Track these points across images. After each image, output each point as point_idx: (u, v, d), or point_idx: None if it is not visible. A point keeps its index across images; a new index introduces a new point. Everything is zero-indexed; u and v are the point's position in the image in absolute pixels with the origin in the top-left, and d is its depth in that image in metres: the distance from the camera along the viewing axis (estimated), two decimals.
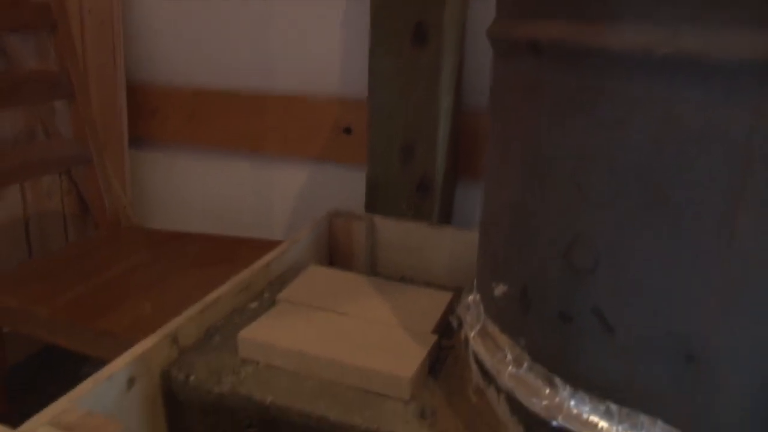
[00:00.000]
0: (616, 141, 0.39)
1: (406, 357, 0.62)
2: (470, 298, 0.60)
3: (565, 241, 0.44)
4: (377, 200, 0.98)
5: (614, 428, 0.43)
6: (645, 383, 0.41)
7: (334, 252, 0.95)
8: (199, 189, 1.27)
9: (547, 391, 0.46)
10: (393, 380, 0.59)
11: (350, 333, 0.65)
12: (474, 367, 0.56)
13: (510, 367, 0.50)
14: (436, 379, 0.63)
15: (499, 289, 0.52)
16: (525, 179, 0.46)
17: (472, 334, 0.56)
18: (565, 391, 0.46)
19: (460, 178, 1.05)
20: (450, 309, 0.73)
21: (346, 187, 1.13)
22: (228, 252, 0.99)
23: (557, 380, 0.46)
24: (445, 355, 0.66)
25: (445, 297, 0.74)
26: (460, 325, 0.63)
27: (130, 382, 0.56)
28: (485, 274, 0.56)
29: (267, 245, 0.87)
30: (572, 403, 0.45)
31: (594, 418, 0.44)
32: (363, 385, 0.60)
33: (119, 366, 0.54)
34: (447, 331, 0.69)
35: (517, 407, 0.50)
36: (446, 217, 1.01)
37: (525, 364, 0.49)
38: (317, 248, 0.92)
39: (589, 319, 0.43)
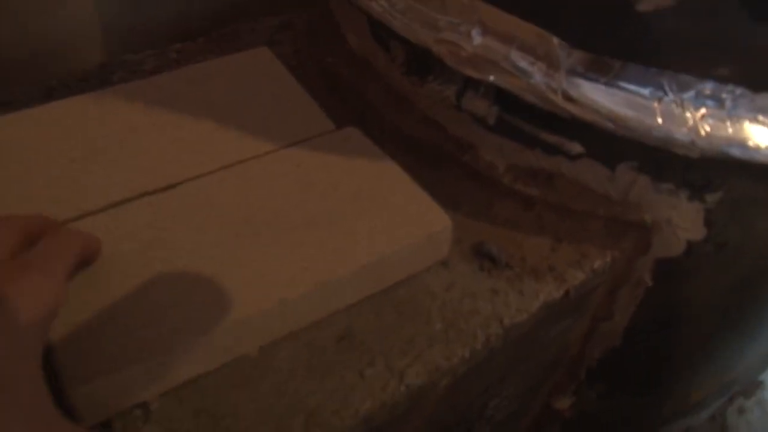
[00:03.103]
0: None
1: (382, 188, 0.34)
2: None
3: None
4: None
5: None
6: None
7: None
8: None
9: None
10: (429, 243, 0.33)
11: (254, 211, 0.33)
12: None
13: None
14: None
15: None
16: None
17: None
18: None
19: None
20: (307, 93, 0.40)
21: None
22: None
23: None
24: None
25: (261, 57, 0.41)
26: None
27: None
28: None
29: None
30: None
31: None
32: (363, 290, 0.32)
33: None
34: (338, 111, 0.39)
35: None
36: None
37: None
38: None
39: None
